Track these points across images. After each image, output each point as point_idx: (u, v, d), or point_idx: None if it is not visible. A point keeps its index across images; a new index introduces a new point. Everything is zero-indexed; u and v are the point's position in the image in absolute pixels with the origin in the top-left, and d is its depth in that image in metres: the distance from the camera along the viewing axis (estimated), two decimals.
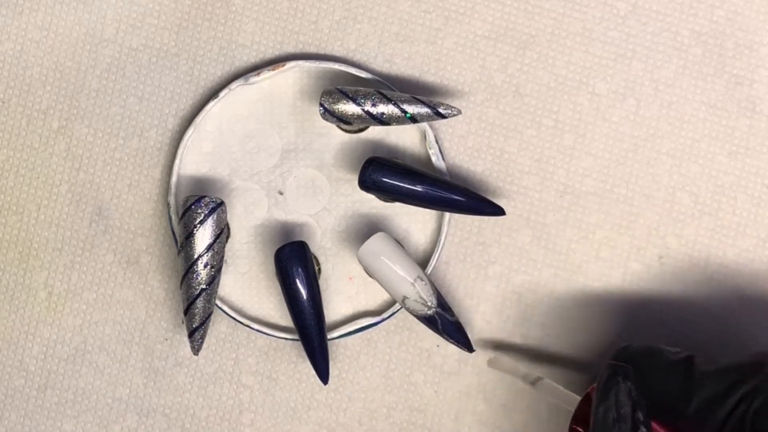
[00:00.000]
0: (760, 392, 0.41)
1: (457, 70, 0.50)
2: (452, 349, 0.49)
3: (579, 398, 0.45)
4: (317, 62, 0.50)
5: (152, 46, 0.50)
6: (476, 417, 0.50)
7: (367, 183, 0.47)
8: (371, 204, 0.50)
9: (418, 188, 0.47)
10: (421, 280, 0.47)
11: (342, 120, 0.47)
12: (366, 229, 0.50)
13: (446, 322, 0.47)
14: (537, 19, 0.50)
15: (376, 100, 0.47)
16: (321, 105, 0.47)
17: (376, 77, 0.49)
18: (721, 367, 0.43)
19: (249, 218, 0.50)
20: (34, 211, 0.50)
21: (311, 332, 0.48)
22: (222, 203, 0.47)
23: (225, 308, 0.49)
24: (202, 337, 0.48)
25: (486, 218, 0.49)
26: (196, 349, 0.48)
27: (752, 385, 0.42)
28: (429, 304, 0.47)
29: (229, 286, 0.50)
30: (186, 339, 0.50)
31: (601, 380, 0.43)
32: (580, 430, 0.45)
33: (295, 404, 0.50)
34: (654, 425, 0.42)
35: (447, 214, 0.49)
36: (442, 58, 0.50)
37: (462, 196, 0.47)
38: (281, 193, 0.50)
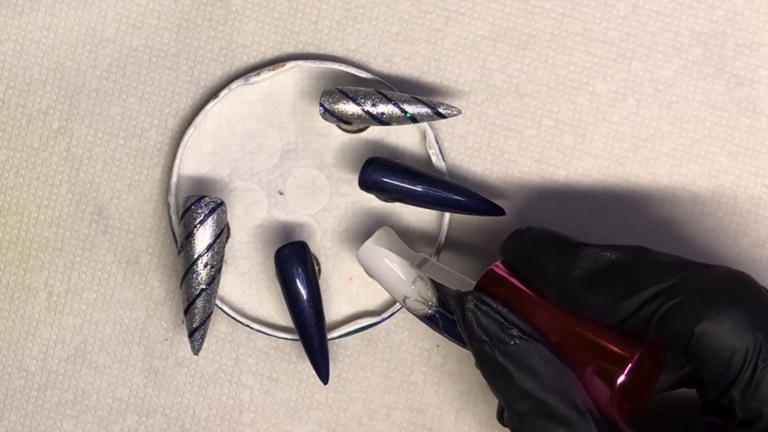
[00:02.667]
0: (675, 293, 0.40)
1: (457, 70, 0.50)
2: (452, 348, 0.49)
3: (468, 279, 0.45)
4: (317, 62, 0.50)
5: (152, 46, 0.50)
6: (476, 417, 0.50)
7: (367, 183, 0.47)
8: (371, 204, 0.50)
9: (418, 188, 0.47)
10: (422, 279, 0.47)
11: (342, 120, 0.47)
12: (366, 229, 0.50)
13: (447, 321, 0.47)
14: (537, 19, 0.50)
15: (376, 100, 0.47)
16: (321, 105, 0.47)
17: (376, 77, 0.49)
18: (633, 260, 0.42)
19: (249, 218, 0.50)
20: (34, 211, 0.50)
21: (311, 332, 0.48)
22: (222, 203, 0.47)
23: (225, 308, 0.49)
24: (202, 337, 0.48)
25: (486, 218, 0.49)
26: (196, 349, 0.48)
27: (667, 284, 0.40)
28: (430, 303, 0.47)
29: (229, 286, 0.50)
30: (186, 339, 0.50)
31: (457, 317, 0.42)
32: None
33: (295, 404, 0.50)
34: (549, 306, 0.42)
35: (447, 214, 0.49)
36: (442, 58, 0.50)
37: (462, 196, 0.47)
38: (281, 193, 0.50)
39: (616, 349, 0.41)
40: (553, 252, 0.43)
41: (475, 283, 0.44)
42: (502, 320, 0.42)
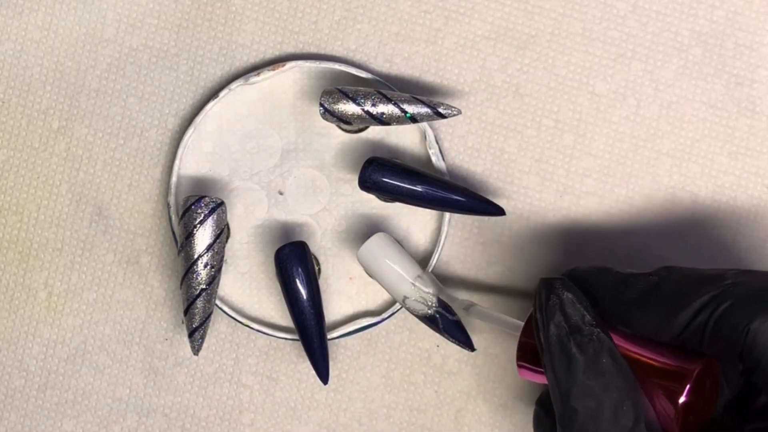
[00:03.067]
0: (726, 297, 0.40)
1: (457, 70, 0.50)
2: (452, 348, 0.49)
3: (518, 322, 0.44)
4: (317, 62, 0.50)
5: (152, 46, 0.50)
6: (476, 417, 0.50)
7: (367, 183, 0.47)
8: (371, 204, 0.50)
9: (418, 188, 0.47)
10: (421, 279, 0.47)
11: (342, 120, 0.47)
12: (366, 229, 0.50)
13: (447, 322, 0.47)
14: (537, 19, 0.50)
15: (376, 100, 0.47)
16: (321, 105, 0.47)
17: (376, 77, 0.49)
18: (679, 276, 0.42)
19: (249, 218, 0.50)
20: (34, 211, 0.50)
21: (311, 332, 0.48)
22: (222, 203, 0.47)
23: (225, 308, 0.49)
24: (202, 337, 0.48)
25: (486, 218, 0.49)
26: (196, 349, 0.48)
27: (717, 291, 0.41)
28: (429, 303, 0.47)
29: (229, 286, 0.50)
30: (186, 339, 0.50)
31: (541, 299, 0.42)
32: (527, 365, 0.44)
33: (295, 404, 0.50)
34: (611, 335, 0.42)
35: (447, 214, 0.49)
36: (442, 58, 0.50)
37: (462, 196, 0.47)
38: (281, 193, 0.50)
39: (676, 367, 0.41)
40: (604, 282, 0.43)
41: (522, 324, 0.44)
42: (584, 313, 0.41)
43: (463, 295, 0.50)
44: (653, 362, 0.41)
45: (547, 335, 0.41)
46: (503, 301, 0.50)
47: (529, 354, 0.43)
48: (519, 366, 0.44)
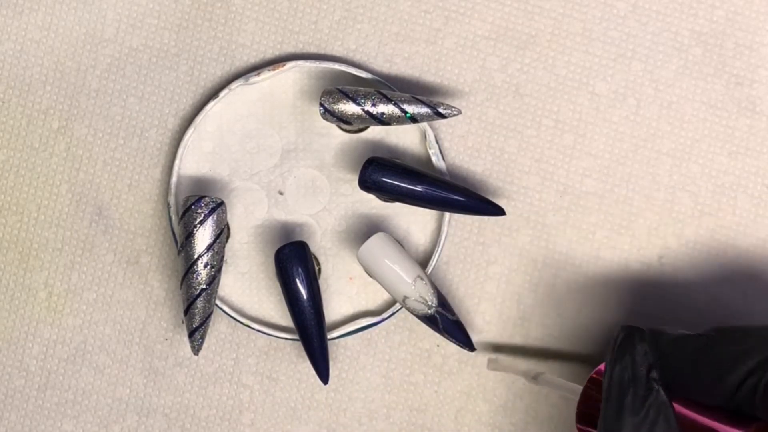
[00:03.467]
0: None
1: (457, 70, 0.50)
2: (452, 348, 0.49)
3: (579, 387, 0.45)
4: (317, 62, 0.50)
5: (152, 46, 0.50)
6: (476, 417, 0.50)
7: (367, 183, 0.47)
8: (371, 204, 0.50)
9: (418, 188, 0.47)
10: (422, 279, 0.47)
11: (342, 120, 0.47)
12: (366, 229, 0.50)
13: (447, 322, 0.47)
14: (537, 19, 0.50)
15: (376, 100, 0.47)
16: (321, 105, 0.47)
17: (376, 77, 0.49)
18: (729, 337, 0.42)
19: (249, 218, 0.50)
20: (34, 211, 0.50)
21: (311, 332, 0.48)
22: (222, 203, 0.47)
23: (225, 308, 0.49)
24: (202, 337, 0.48)
25: (486, 218, 0.49)
26: (196, 349, 0.48)
27: (764, 356, 0.41)
28: (429, 303, 0.47)
29: (229, 286, 0.50)
30: (186, 339, 0.50)
31: (616, 341, 0.42)
32: (589, 429, 0.44)
33: (295, 404, 0.50)
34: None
35: (447, 214, 0.49)
36: (442, 58, 0.50)
37: (462, 196, 0.47)
38: (281, 193, 0.50)
39: (730, 431, 0.41)
40: (657, 343, 0.43)
41: (582, 388, 0.45)
42: (652, 368, 0.42)
43: (462, 295, 0.50)
44: (707, 426, 0.41)
45: (610, 374, 0.42)
46: (502, 302, 0.50)
47: (587, 421, 0.44)
48: (578, 429, 0.45)
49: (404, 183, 0.47)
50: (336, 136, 0.50)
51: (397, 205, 0.50)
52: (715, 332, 0.43)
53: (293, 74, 0.50)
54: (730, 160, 0.50)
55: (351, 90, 0.47)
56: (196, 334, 0.48)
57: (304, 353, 0.49)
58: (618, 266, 0.49)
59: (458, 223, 0.50)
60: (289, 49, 0.50)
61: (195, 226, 0.47)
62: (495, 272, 0.50)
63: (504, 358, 0.49)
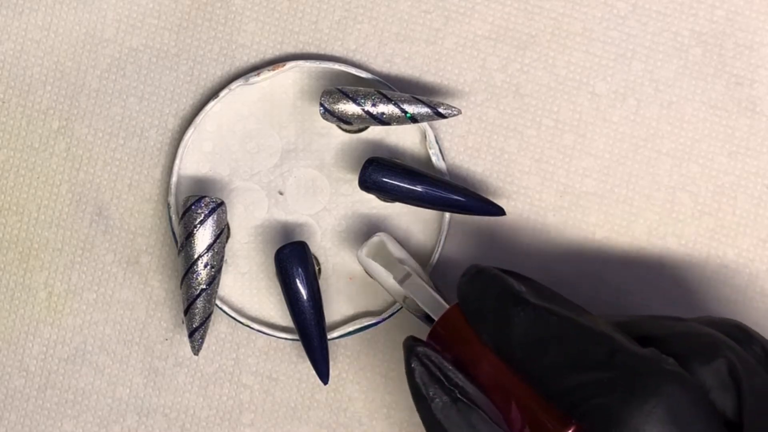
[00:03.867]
0: (609, 390, 0.37)
1: (457, 70, 0.50)
2: None
3: (444, 304, 0.44)
4: (317, 62, 0.50)
5: (152, 46, 0.50)
6: None
7: (367, 183, 0.47)
8: (371, 204, 0.50)
9: (418, 188, 0.47)
10: (422, 279, 0.47)
11: (342, 120, 0.47)
12: (366, 229, 0.50)
13: None
14: (537, 19, 0.50)
15: (376, 100, 0.47)
16: (321, 105, 0.47)
17: (376, 77, 0.49)
18: (578, 335, 0.39)
19: (249, 218, 0.50)
20: (34, 211, 0.50)
21: (311, 332, 0.48)
22: (222, 203, 0.47)
23: (225, 308, 0.49)
24: (202, 337, 0.48)
25: (486, 218, 0.49)
26: (196, 349, 0.48)
27: (606, 376, 0.37)
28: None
29: (229, 286, 0.50)
30: (186, 339, 0.50)
31: (405, 365, 0.42)
32: (437, 348, 0.43)
33: (295, 404, 0.50)
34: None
35: (447, 214, 0.49)
36: (442, 58, 0.50)
37: (462, 196, 0.47)
38: (281, 193, 0.50)
39: (548, 423, 0.39)
40: (496, 305, 0.41)
41: (448, 307, 0.44)
42: (444, 380, 0.41)
43: None
44: (530, 409, 0.40)
45: (414, 401, 0.41)
46: None
47: (439, 342, 0.43)
48: (427, 343, 0.44)
49: (404, 183, 0.47)
50: (336, 136, 0.50)
51: (397, 205, 0.50)
52: (563, 321, 0.39)
53: (293, 74, 0.50)
54: (730, 160, 0.50)
55: (351, 90, 0.47)
56: (196, 334, 0.48)
57: (304, 353, 0.49)
58: (618, 266, 0.49)
59: (458, 223, 0.50)
60: (289, 49, 0.50)
61: (195, 226, 0.47)
62: None
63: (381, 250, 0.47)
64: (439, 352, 0.42)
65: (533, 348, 0.39)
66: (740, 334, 0.41)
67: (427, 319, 0.47)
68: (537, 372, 0.39)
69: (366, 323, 0.49)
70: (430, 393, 0.41)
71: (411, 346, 0.42)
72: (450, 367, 0.41)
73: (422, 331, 0.50)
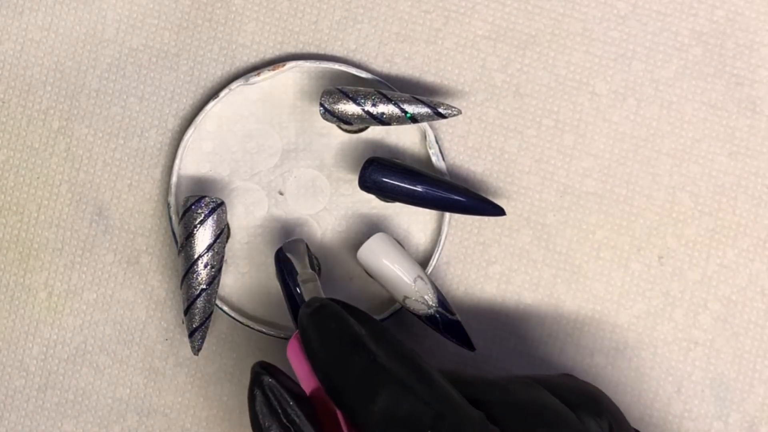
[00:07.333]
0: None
1: (457, 70, 0.50)
2: (453, 349, 0.49)
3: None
4: (317, 62, 0.50)
5: (152, 46, 0.50)
6: None
7: (367, 183, 0.47)
8: (371, 204, 0.50)
9: (418, 188, 0.47)
10: (422, 279, 0.47)
11: (342, 120, 0.47)
12: (366, 229, 0.50)
13: (447, 321, 0.47)
14: (537, 19, 0.50)
15: (376, 100, 0.47)
16: (321, 105, 0.47)
17: (376, 77, 0.49)
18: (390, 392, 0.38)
19: (249, 218, 0.50)
20: (34, 212, 0.50)
21: None
22: (222, 203, 0.47)
23: (225, 308, 0.50)
24: (202, 337, 0.48)
25: (486, 218, 0.49)
26: (196, 349, 0.48)
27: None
28: (429, 303, 0.47)
29: (229, 286, 0.50)
30: (186, 339, 0.50)
31: (248, 391, 0.41)
32: (285, 374, 0.43)
33: None
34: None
35: (447, 214, 0.49)
36: (442, 58, 0.50)
37: (462, 196, 0.47)
38: (281, 193, 0.50)
39: None
40: (334, 344, 0.40)
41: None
42: (281, 414, 0.41)
43: (462, 295, 0.50)
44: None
45: (249, 415, 0.41)
46: (502, 302, 0.50)
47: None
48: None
49: (404, 183, 0.47)
50: (336, 136, 0.50)
51: (397, 205, 0.50)
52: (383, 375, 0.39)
53: (293, 74, 0.50)
54: (730, 160, 0.50)
55: (351, 90, 0.47)
56: (196, 334, 0.48)
57: None
58: (618, 266, 0.50)
59: (458, 223, 0.50)
60: (289, 49, 0.50)
61: (195, 226, 0.47)
62: (495, 272, 0.50)
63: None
64: (286, 380, 0.42)
65: (363, 394, 0.39)
66: (594, 405, 0.42)
67: (429, 320, 0.47)
68: (362, 419, 0.39)
69: None
70: (266, 424, 0.41)
71: (258, 374, 0.42)
72: (291, 402, 0.41)
73: (422, 331, 0.50)
